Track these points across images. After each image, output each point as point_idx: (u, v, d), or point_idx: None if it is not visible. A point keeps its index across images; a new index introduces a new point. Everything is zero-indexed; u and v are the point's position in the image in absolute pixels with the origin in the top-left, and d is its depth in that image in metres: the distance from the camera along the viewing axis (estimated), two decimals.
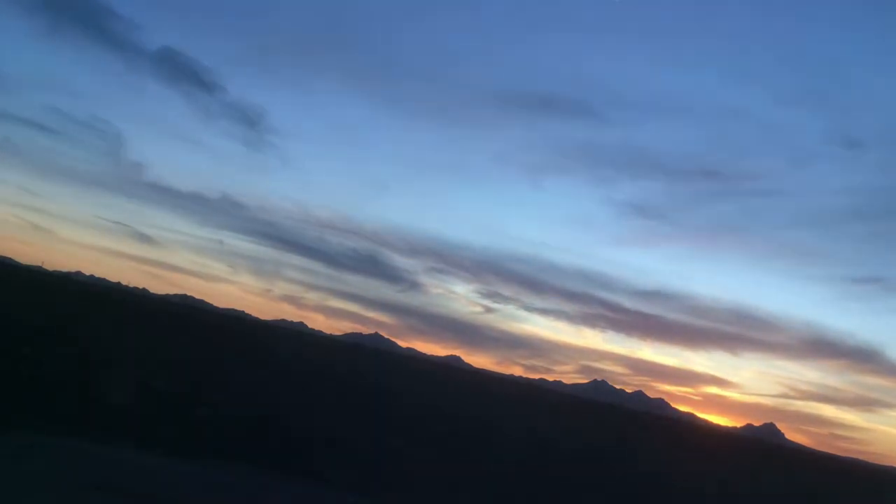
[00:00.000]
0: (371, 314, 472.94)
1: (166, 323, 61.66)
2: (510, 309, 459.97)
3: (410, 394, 45.32)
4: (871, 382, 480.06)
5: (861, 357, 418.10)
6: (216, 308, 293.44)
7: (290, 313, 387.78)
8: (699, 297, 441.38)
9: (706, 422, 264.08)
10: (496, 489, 18.42)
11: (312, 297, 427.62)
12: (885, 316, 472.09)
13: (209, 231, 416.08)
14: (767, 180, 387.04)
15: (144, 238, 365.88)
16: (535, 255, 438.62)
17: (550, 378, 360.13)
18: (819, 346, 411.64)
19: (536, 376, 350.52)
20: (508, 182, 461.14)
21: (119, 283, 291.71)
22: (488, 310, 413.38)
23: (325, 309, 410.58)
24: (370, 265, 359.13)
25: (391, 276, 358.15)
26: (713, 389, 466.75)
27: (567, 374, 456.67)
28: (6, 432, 13.23)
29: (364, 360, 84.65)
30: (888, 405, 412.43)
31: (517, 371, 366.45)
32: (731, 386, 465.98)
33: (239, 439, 17.39)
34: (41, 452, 12.41)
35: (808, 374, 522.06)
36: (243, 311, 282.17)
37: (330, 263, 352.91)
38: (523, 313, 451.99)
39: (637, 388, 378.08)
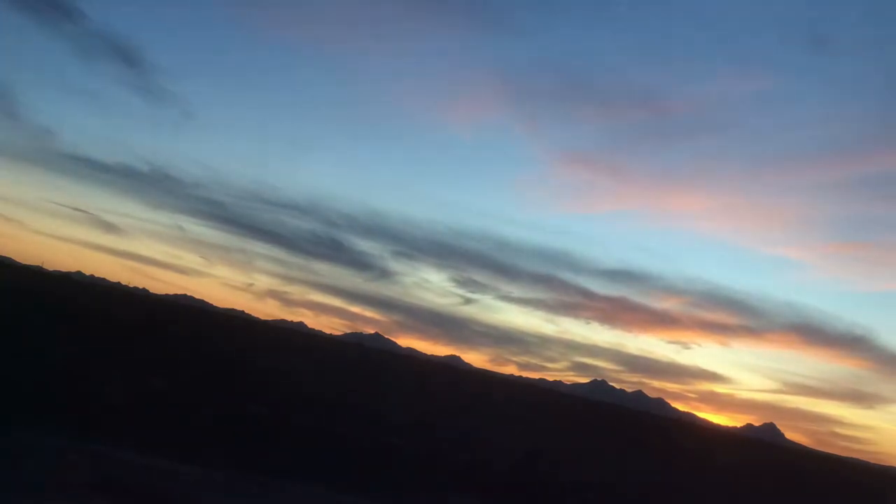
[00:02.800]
0: (355, 309, 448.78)
1: (166, 323, 61.63)
2: (487, 299, 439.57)
3: (411, 394, 45.30)
4: (864, 375, 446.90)
5: (850, 344, 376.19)
6: (216, 308, 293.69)
7: (286, 313, 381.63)
8: (668, 278, 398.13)
9: (707, 422, 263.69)
10: (496, 490, 18.41)
11: (293, 290, 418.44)
12: (872, 292, 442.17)
13: (162, 215, 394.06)
14: (720, 109, 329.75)
15: (109, 227, 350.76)
16: (486, 230, 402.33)
17: (550, 378, 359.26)
18: (805, 333, 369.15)
19: (536, 376, 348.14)
20: (423, 129, 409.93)
21: (119, 283, 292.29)
22: (467, 300, 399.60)
23: (313, 305, 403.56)
24: (334, 251, 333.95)
25: (358, 262, 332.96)
26: (709, 386, 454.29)
27: (564, 374, 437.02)
28: (6, 432, 13.21)
29: (364, 360, 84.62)
30: (886, 400, 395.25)
31: (512, 370, 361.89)
32: (726, 381, 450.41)
33: (239, 439, 17.38)
34: (41, 452, 12.39)
35: (799, 366, 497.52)
36: (243, 311, 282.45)
37: (295, 250, 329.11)
38: (502, 304, 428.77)
39: (636, 388, 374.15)
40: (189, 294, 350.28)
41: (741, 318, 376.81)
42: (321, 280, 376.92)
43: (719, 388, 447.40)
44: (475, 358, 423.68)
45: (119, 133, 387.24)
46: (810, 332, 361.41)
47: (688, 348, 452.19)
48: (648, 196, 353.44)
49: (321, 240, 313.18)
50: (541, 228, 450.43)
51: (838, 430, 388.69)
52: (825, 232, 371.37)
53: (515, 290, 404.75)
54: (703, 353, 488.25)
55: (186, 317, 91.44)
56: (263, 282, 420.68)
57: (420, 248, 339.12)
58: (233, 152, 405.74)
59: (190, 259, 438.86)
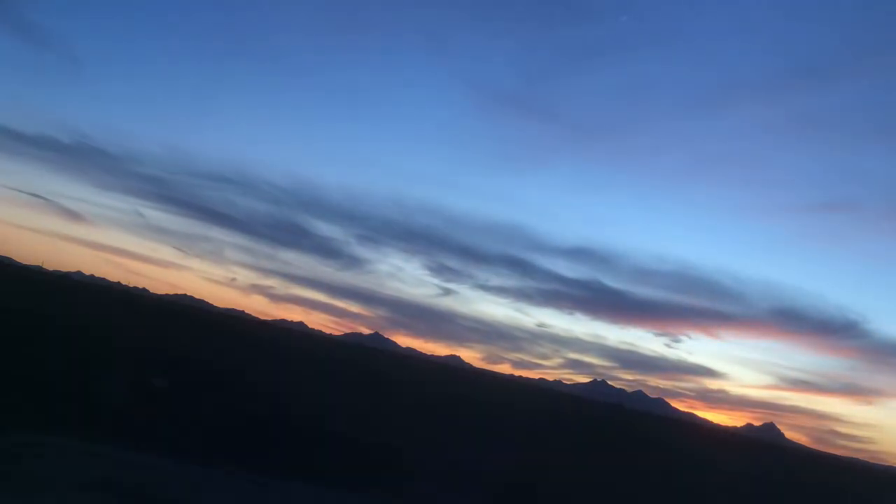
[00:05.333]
0: (340, 304, 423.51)
1: (166, 322, 61.59)
2: (465, 289, 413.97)
3: (411, 394, 45.24)
4: (859, 366, 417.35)
5: (841, 331, 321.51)
6: (216, 308, 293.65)
7: (280, 311, 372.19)
8: (634, 256, 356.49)
9: (708, 422, 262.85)
10: (496, 490, 18.38)
11: (274, 284, 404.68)
12: (859, 267, 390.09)
13: (114, 198, 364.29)
14: (661, 17, 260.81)
15: (73, 216, 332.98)
16: (429, 202, 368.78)
17: (550, 378, 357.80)
18: (790, 319, 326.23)
19: (535, 375, 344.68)
20: (329, 78, 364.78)
21: (118, 283, 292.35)
22: (446, 291, 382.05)
23: (299, 300, 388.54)
24: (297, 236, 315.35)
25: (325, 249, 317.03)
26: (705, 383, 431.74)
27: (560, 372, 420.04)
28: (6, 432, 13.18)
29: (364, 359, 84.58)
30: (885, 394, 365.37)
31: (506, 368, 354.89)
32: (721, 377, 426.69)
33: (239, 439, 17.35)
34: (41, 452, 12.35)
35: (792, 359, 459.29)
36: (243, 311, 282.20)
37: (257, 236, 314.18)
38: (480, 294, 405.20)
39: (634, 387, 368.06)
40: (189, 294, 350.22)
41: (720, 303, 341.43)
42: (297, 272, 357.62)
43: (716, 385, 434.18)
44: (468, 355, 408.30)
45: (11, 87, 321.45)
46: (795, 319, 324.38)
47: (677, 341, 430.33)
48: (583, 146, 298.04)
49: (279, 223, 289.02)
50: (483, 196, 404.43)
51: (838, 428, 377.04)
52: (805, 188, 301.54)
53: (491, 278, 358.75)
54: (693, 346, 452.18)
55: (187, 317, 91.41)
56: (240, 274, 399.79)
57: (377, 230, 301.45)
58: (136, 109, 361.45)
59: (165, 252, 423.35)
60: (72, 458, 12.48)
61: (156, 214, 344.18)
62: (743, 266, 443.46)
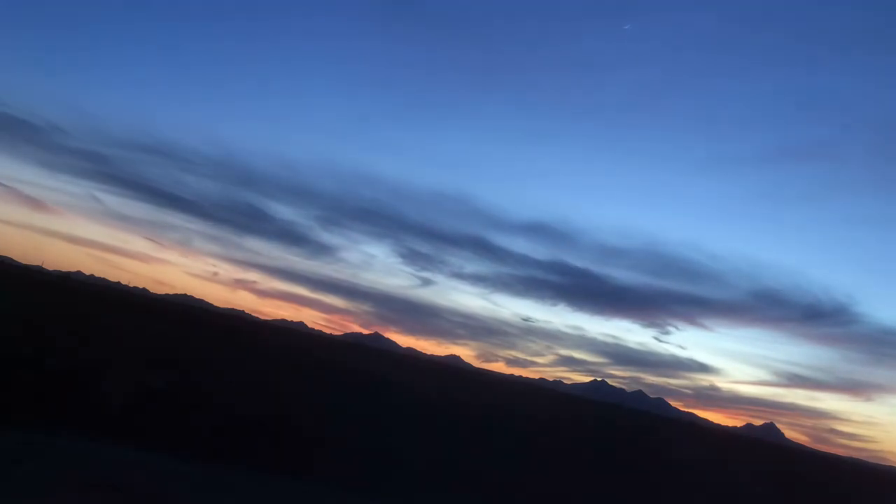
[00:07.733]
0: (327, 299, 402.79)
1: (166, 322, 61.56)
2: (441, 279, 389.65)
3: (410, 394, 45.18)
4: (855, 357, 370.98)
5: (827, 317, 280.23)
6: (216, 308, 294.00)
7: (269, 306, 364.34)
8: (595, 232, 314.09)
9: (708, 422, 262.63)
10: (496, 489, 18.34)
11: (255, 278, 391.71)
12: (840, 234, 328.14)
13: (63, 180, 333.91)
14: None
15: (37, 205, 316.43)
16: (370, 172, 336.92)
17: (549, 377, 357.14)
18: (773, 304, 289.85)
19: (536, 375, 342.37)
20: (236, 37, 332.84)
21: (119, 283, 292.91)
22: (424, 281, 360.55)
23: (287, 295, 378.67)
24: (257, 221, 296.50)
25: (290, 235, 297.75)
26: (701, 380, 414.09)
27: (556, 370, 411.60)
28: (6, 432, 13.15)
29: (363, 359, 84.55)
30: (884, 389, 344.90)
31: (500, 366, 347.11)
32: (717, 373, 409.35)
33: (239, 439, 17.32)
34: (41, 452, 12.32)
35: (786, 352, 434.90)
36: (243, 311, 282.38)
37: (217, 221, 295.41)
38: (456, 283, 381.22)
39: (633, 385, 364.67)
40: (189, 294, 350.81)
41: (699, 286, 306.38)
42: (270, 263, 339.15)
43: (711, 381, 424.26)
44: (463, 353, 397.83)
45: None
46: (779, 304, 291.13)
47: (666, 333, 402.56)
48: (511, 82, 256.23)
49: (237, 206, 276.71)
50: (415, 157, 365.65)
51: (838, 426, 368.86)
52: (771, 131, 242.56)
53: (463, 265, 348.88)
54: (683, 339, 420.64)
55: (189, 318, 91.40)
56: (219, 266, 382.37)
57: (334, 209, 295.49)
58: (33, 71, 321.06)
59: (139, 244, 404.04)
60: (72, 458, 12.45)
61: (111, 199, 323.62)
62: (712, 239, 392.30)
